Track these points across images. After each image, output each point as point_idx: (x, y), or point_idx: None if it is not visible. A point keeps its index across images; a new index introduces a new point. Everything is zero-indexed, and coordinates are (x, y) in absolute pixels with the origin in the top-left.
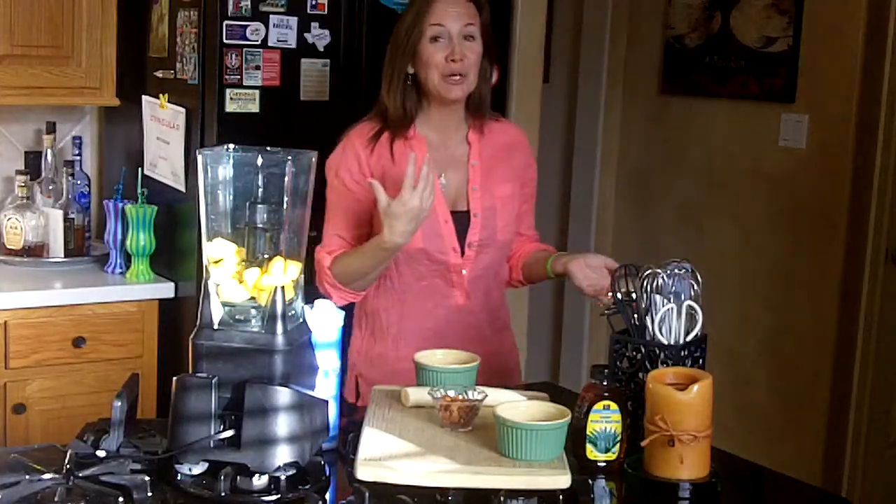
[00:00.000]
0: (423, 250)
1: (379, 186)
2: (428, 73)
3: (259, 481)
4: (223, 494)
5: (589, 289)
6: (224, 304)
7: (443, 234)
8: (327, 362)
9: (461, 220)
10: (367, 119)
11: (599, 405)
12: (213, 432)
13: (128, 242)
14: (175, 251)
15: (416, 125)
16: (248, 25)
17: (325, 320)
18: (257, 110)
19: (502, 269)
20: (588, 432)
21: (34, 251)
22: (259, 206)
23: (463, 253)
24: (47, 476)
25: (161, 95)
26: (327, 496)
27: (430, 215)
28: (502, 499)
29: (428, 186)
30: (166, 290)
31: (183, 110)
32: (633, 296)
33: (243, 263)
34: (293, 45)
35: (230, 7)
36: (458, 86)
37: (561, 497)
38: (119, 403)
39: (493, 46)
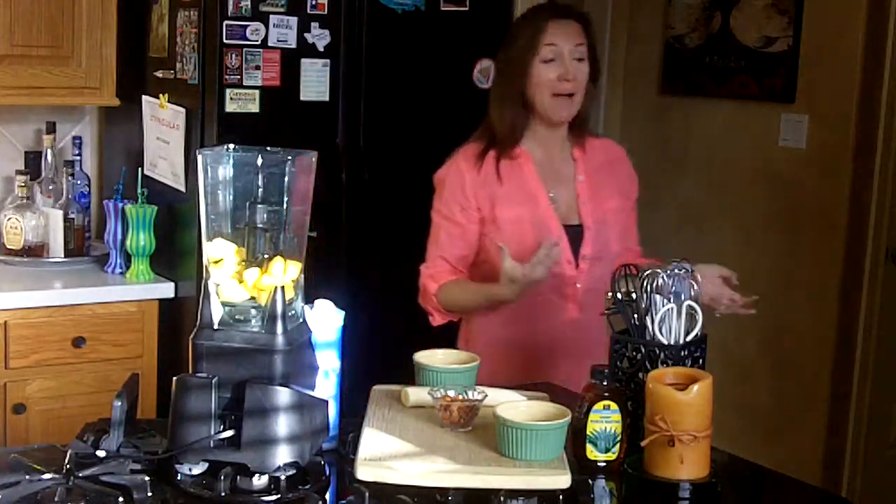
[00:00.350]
0: None
1: (507, 253)
2: (537, 92)
3: (259, 481)
4: (223, 494)
5: (705, 297)
6: (224, 304)
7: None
8: (327, 362)
9: (574, 234)
10: (474, 139)
11: (599, 405)
12: (213, 432)
13: (128, 242)
14: (175, 251)
15: (522, 143)
16: (248, 25)
17: (325, 320)
18: (257, 110)
19: None
20: (588, 432)
21: (34, 251)
22: (259, 206)
23: (577, 265)
24: (47, 476)
25: (161, 95)
26: (327, 496)
27: (545, 231)
28: (502, 499)
29: (553, 262)
30: (166, 290)
31: (183, 110)
32: (633, 296)
33: (243, 263)
34: (293, 45)
35: (230, 7)
36: (566, 107)
37: (561, 497)
38: (119, 403)
39: (596, 67)
